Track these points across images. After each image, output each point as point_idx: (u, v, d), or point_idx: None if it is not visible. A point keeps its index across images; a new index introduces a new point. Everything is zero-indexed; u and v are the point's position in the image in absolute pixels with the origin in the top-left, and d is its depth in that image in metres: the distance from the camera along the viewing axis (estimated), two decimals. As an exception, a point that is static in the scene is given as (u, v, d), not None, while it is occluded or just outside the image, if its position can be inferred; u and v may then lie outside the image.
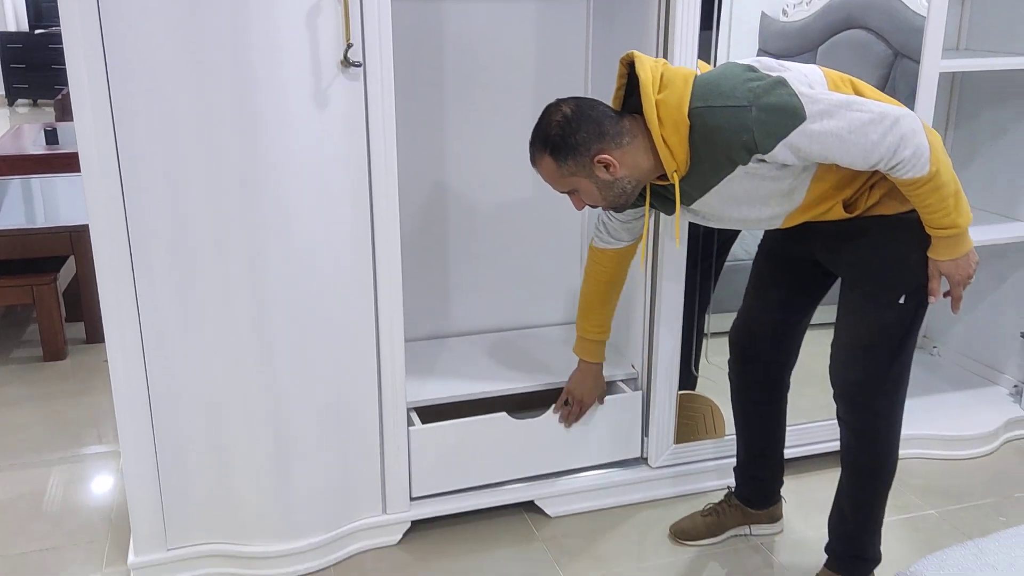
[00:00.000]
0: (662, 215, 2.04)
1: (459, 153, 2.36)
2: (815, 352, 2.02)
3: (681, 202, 1.71)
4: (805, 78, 1.60)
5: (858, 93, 1.63)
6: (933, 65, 2.17)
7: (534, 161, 1.69)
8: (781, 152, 1.54)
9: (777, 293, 1.90)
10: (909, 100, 2.20)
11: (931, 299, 1.69)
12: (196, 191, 1.74)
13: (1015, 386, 2.64)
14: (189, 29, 1.64)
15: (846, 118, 1.51)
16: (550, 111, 1.66)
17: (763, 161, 1.58)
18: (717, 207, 1.70)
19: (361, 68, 1.77)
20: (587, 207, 1.74)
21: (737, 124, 1.54)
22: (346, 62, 1.75)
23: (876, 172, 1.61)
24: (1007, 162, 2.58)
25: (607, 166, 1.63)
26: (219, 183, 1.74)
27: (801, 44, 2.41)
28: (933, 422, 2.50)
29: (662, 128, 1.60)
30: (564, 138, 1.62)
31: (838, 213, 1.68)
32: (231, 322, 1.82)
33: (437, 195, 2.38)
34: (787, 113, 1.52)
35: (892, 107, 1.54)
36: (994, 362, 2.73)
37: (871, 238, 1.69)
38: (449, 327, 2.50)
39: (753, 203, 1.68)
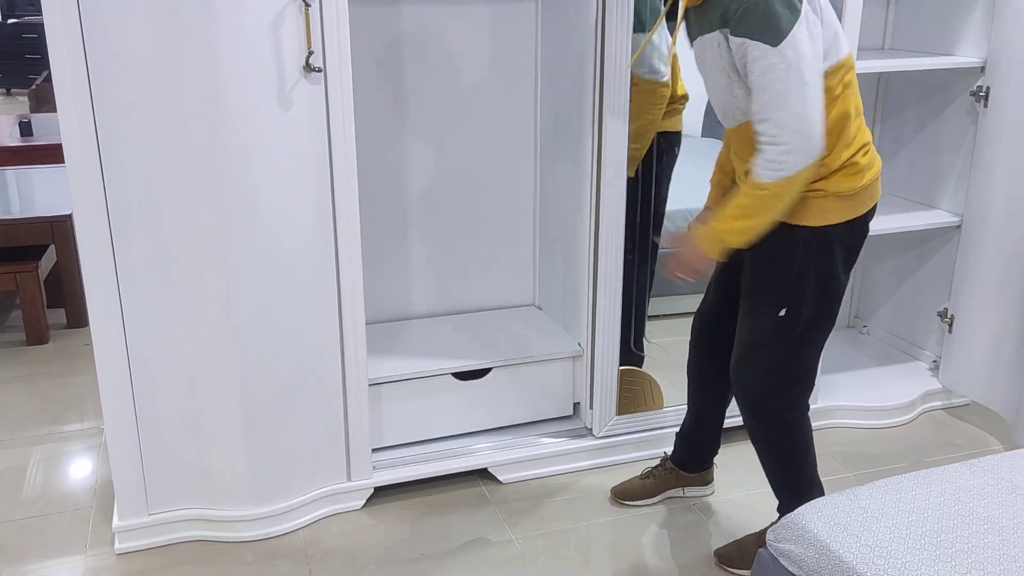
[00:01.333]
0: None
1: (417, 143, 2.55)
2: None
3: (689, 34, 1.77)
4: (813, 30, 1.60)
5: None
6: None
7: None
8: (735, 44, 1.61)
9: (727, 283, 2.02)
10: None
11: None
12: (170, 183, 1.90)
13: (933, 361, 2.87)
14: (165, 33, 1.80)
15: (790, 84, 1.56)
16: None
17: (728, 44, 1.63)
18: (700, 60, 1.78)
19: (322, 73, 1.94)
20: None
21: None
22: (308, 67, 1.92)
23: None
24: (928, 155, 2.79)
25: None
26: (191, 176, 1.90)
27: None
28: (858, 393, 2.72)
29: None
30: None
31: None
32: (203, 304, 1.99)
33: (396, 184, 2.56)
34: (770, 23, 1.56)
35: (812, 128, 1.59)
36: (916, 339, 2.95)
37: (762, 246, 1.76)
38: (410, 309, 2.68)
39: (714, 77, 1.74)
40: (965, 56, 2.60)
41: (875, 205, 1.83)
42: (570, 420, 2.52)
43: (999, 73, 2.48)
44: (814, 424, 1.99)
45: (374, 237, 2.56)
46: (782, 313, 1.82)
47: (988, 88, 2.52)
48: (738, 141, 1.81)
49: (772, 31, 1.56)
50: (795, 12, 1.58)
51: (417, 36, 2.45)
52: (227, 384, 2.06)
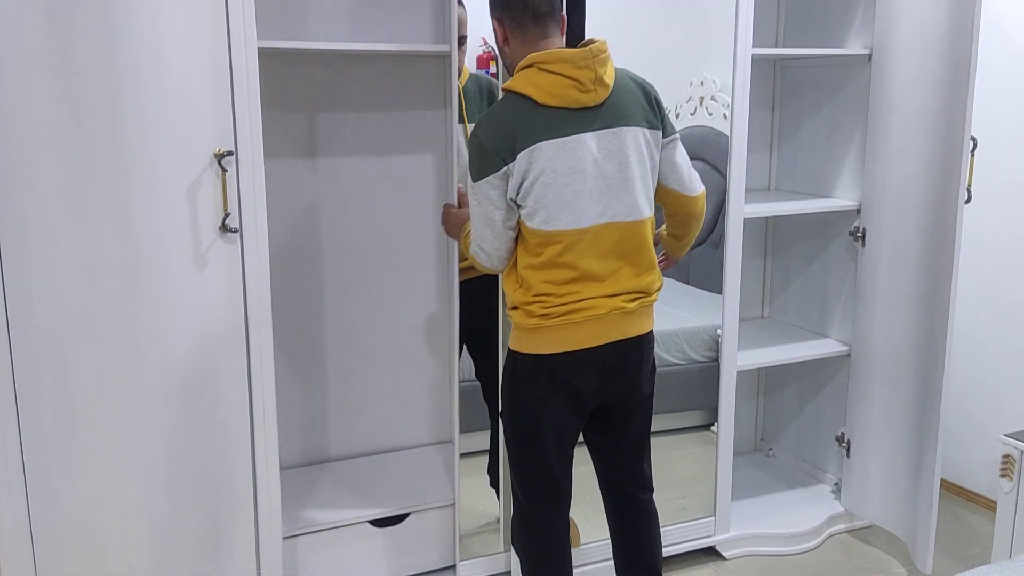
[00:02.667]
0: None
1: (332, 289, 2.60)
2: (676, 456, 2.28)
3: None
4: (499, 190, 1.88)
5: None
6: (738, 210, 2.56)
7: None
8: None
9: None
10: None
11: None
12: (81, 344, 1.89)
13: (836, 484, 2.99)
14: (77, 199, 1.82)
15: (478, 213, 1.90)
16: None
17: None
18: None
19: (238, 233, 1.99)
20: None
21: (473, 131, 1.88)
22: (224, 228, 1.97)
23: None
24: (817, 287, 2.99)
25: (496, 35, 1.93)
26: (102, 337, 1.90)
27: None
28: (767, 520, 2.80)
29: (517, 72, 1.88)
30: None
31: None
32: (112, 464, 1.95)
33: (311, 328, 2.59)
34: (473, 166, 1.87)
35: (487, 249, 1.92)
36: (819, 462, 3.08)
37: None
38: (326, 451, 2.67)
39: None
40: (842, 199, 2.83)
41: (570, 356, 1.92)
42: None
43: (873, 216, 2.71)
44: (727, 553, 2.05)
45: (288, 382, 2.57)
46: (501, 424, 2.08)
47: (864, 229, 2.75)
48: None
49: (472, 170, 1.87)
50: (488, 171, 1.83)
51: (332, 189, 2.54)
52: (138, 543, 2.00)
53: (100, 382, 1.92)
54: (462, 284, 2.40)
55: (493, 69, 2.65)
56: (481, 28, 2.53)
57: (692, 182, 2.05)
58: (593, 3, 2.38)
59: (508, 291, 1.98)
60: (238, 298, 2.03)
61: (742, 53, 2.46)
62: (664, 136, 1.98)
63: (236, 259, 2.00)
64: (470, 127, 2.39)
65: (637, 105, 1.91)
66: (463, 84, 2.41)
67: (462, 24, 2.32)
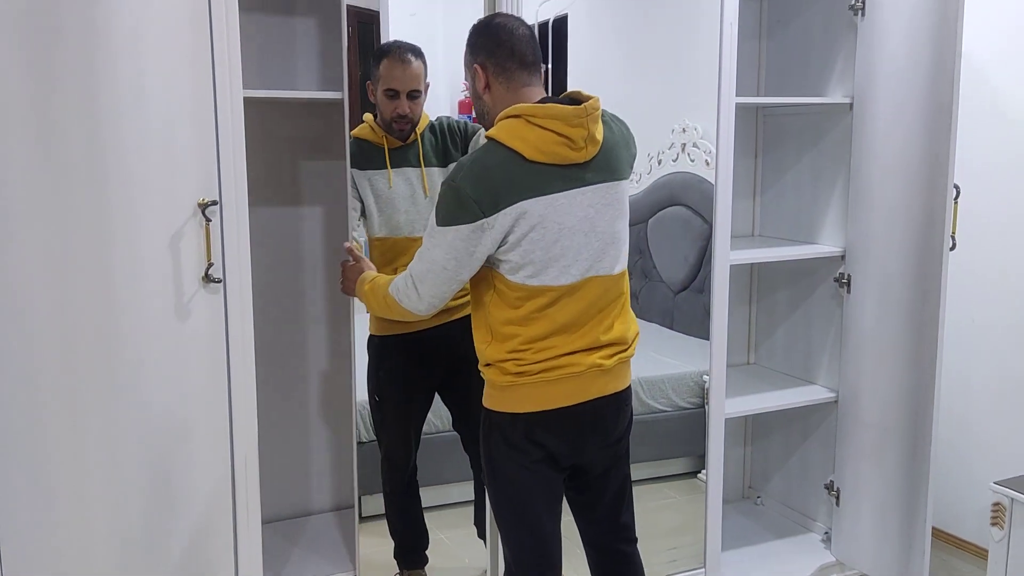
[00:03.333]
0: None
1: (318, 336, 2.56)
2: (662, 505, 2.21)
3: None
4: (476, 242, 1.77)
5: None
6: (724, 257, 2.55)
7: None
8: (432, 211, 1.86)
9: None
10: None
11: None
12: (57, 399, 1.84)
13: (825, 533, 2.96)
14: (56, 257, 1.79)
15: (429, 255, 1.82)
16: (485, 19, 1.89)
17: None
18: None
19: (221, 283, 1.96)
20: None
21: (452, 172, 1.79)
22: (207, 278, 1.93)
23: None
24: (802, 333, 2.99)
25: (477, 80, 1.86)
26: (79, 392, 1.85)
27: (632, 216, 2.78)
28: (756, 571, 2.76)
29: (499, 121, 1.81)
30: (470, 35, 1.88)
31: None
32: (88, 522, 1.89)
33: (296, 375, 2.54)
34: (446, 208, 1.77)
35: (427, 293, 1.83)
36: (808, 511, 3.05)
37: None
38: (310, 504, 2.61)
39: None
40: (827, 245, 2.84)
41: (546, 415, 1.86)
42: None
43: (857, 263, 2.72)
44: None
45: (270, 433, 2.51)
46: (485, 488, 1.98)
47: (849, 275, 2.75)
48: None
49: (440, 213, 1.78)
50: (460, 220, 1.74)
51: (309, 236, 2.51)
52: (110, 609, 1.93)
53: (76, 437, 1.86)
54: (427, 332, 2.36)
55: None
56: (463, 73, 2.53)
57: None
58: (577, 48, 2.39)
59: (480, 347, 1.90)
60: (220, 350, 1.99)
61: (726, 102, 2.47)
62: None
63: (219, 310, 1.97)
64: (428, 171, 2.37)
65: (626, 156, 1.90)
66: (420, 130, 2.40)
67: (404, 80, 2.31)
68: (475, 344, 1.92)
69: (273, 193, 2.51)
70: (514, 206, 1.75)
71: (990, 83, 2.88)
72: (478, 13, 2.36)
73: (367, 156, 2.37)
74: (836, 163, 2.79)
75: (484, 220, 1.74)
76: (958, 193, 2.37)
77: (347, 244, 2.16)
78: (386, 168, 2.34)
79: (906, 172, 2.51)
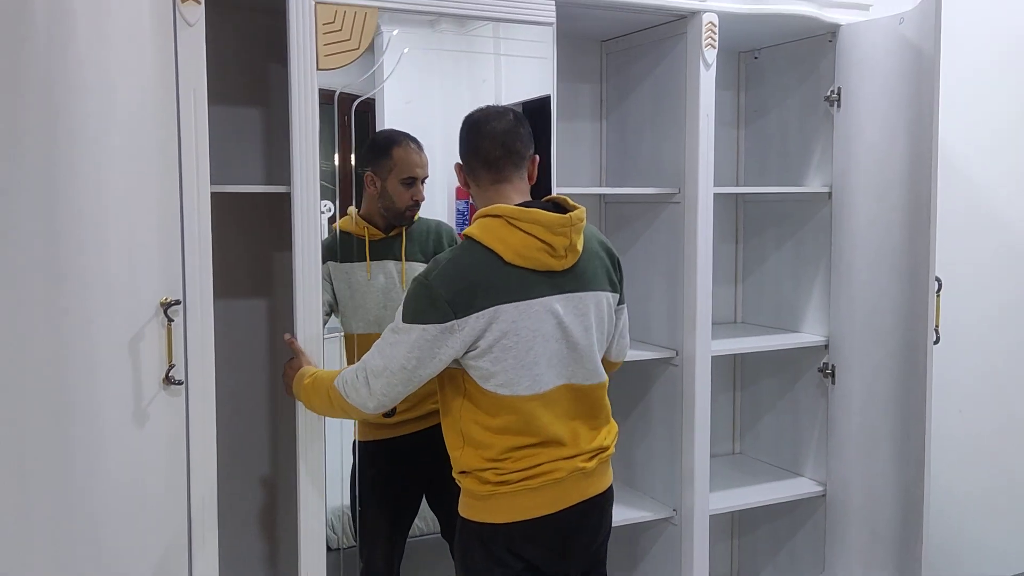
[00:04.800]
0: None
1: (281, 441, 2.45)
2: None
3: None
4: (442, 343, 1.71)
5: None
6: (705, 345, 2.49)
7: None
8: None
9: None
10: (692, 383, 2.50)
11: None
12: (5, 510, 1.73)
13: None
14: (4, 354, 1.71)
15: (388, 349, 1.74)
16: (470, 115, 1.86)
17: None
18: None
19: (183, 385, 1.87)
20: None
21: (424, 270, 1.76)
22: (168, 380, 1.85)
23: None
24: (788, 423, 2.92)
25: (458, 178, 1.88)
26: (30, 501, 1.75)
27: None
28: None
29: (475, 221, 1.78)
30: (460, 133, 1.89)
31: None
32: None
33: (255, 479, 2.43)
34: (410, 302, 1.72)
35: (380, 391, 1.75)
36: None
37: None
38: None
39: None
40: (810, 333, 2.80)
41: (527, 525, 1.78)
42: None
43: (841, 353, 2.67)
44: None
45: (232, 543, 2.38)
46: None
47: (833, 366, 2.70)
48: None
49: (408, 309, 1.72)
50: (428, 318, 1.68)
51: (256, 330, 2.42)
52: None
53: (25, 550, 1.75)
54: (413, 436, 2.26)
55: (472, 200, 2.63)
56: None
57: (626, 349, 2.08)
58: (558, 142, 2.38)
59: (454, 453, 1.82)
60: (180, 455, 1.89)
61: (704, 191, 2.45)
62: (618, 304, 1.94)
63: (180, 413, 1.88)
64: (409, 266, 2.30)
65: (603, 269, 1.86)
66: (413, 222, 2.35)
67: (422, 166, 2.28)
68: (448, 449, 1.83)
69: (223, 287, 2.40)
70: (488, 310, 1.69)
71: (969, 176, 2.89)
72: (476, 100, 2.36)
73: (347, 249, 2.31)
74: (817, 251, 2.77)
75: (455, 321, 1.68)
76: (940, 286, 2.34)
77: (287, 336, 2.03)
78: (365, 260, 2.29)
79: (887, 264, 2.48)
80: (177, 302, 1.85)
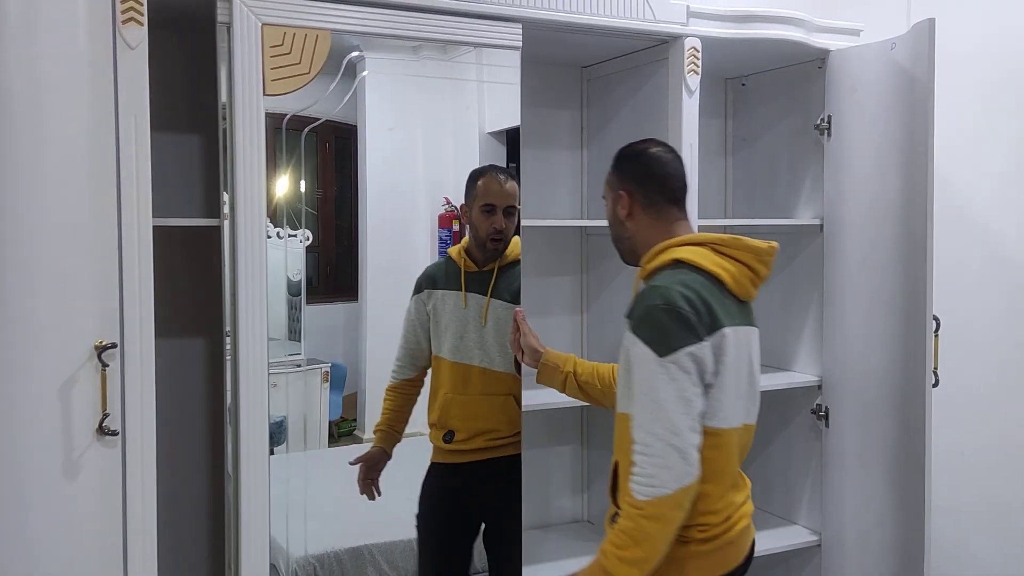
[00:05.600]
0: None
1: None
2: None
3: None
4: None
5: None
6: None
7: None
8: (628, 340, 1.61)
9: None
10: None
11: None
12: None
13: None
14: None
15: (661, 394, 1.53)
16: (641, 142, 1.84)
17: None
18: None
19: (119, 436, 1.72)
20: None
21: (649, 294, 1.61)
22: (102, 431, 1.70)
23: None
24: (781, 468, 2.76)
25: (622, 205, 1.79)
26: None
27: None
28: None
29: (664, 251, 1.71)
30: (622, 158, 1.83)
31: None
32: None
33: (193, 535, 2.27)
34: (665, 336, 1.55)
35: (685, 445, 1.54)
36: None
37: None
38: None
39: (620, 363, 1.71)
40: (802, 373, 2.66)
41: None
42: None
43: (834, 394, 2.53)
44: None
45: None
46: None
47: (827, 408, 2.55)
48: (616, 432, 1.73)
49: (661, 341, 1.55)
50: (687, 341, 1.56)
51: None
52: None
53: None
54: (471, 465, 2.28)
55: (456, 228, 2.52)
56: (443, 187, 2.41)
57: None
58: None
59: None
60: (116, 511, 1.74)
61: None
62: None
63: (116, 465, 1.73)
64: (493, 303, 2.25)
65: None
66: (502, 263, 2.27)
67: (502, 195, 2.25)
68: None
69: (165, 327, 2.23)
70: (719, 331, 1.61)
71: (968, 209, 2.76)
72: (460, 128, 2.36)
73: (444, 275, 2.31)
74: (809, 285, 2.63)
75: (707, 342, 1.58)
76: (938, 325, 2.20)
77: (519, 309, 2.11)
78: (460, 289, 2.26)
79: (882, 300, 2.35)
80: (113, 345, 1.70)
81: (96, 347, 1.69)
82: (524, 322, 2.10)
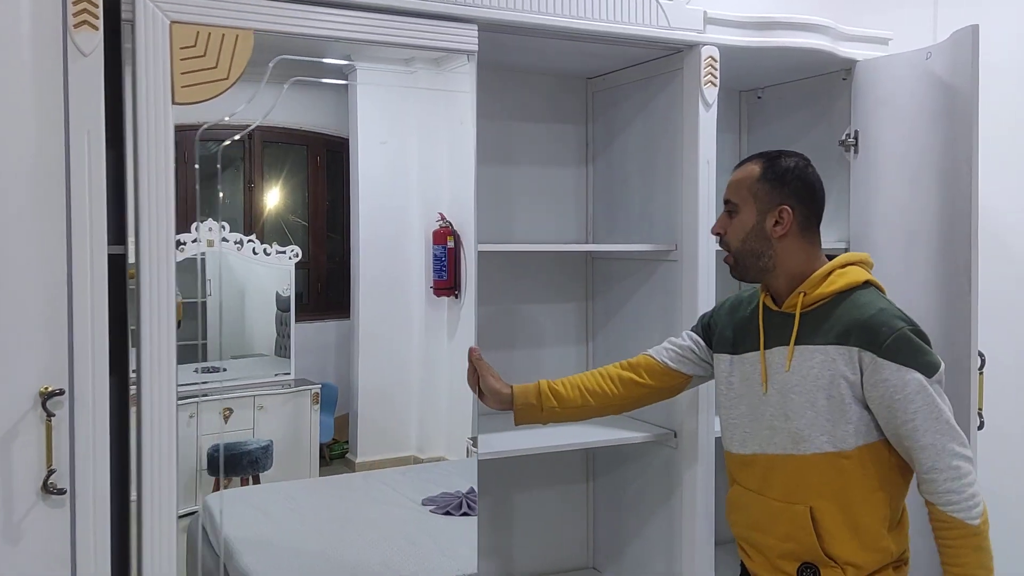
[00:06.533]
0: None
1: None
2: None
3: (774, 345, 1.68)
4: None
5: None
6: (712, 434, 2.15)
7: (742, 163, 1.74)
8: (888, 371, 1.53)
9: None
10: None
11: None
12: None
13: None
14: None
15: (947, 413, 1.54)
16: (794, 155, 1.73)
17: (860, 367, 1.56)
18: (780, 378, 1.65)
19: (66, 495, 1.52)
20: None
21: (885, 319, 1.56)
22: (47, 489, 1.50)
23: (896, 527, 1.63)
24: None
25: (778, 221, 1.66)
26: None
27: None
28: None
29: (840, 270, 1.66)
30: (785, 171, 1.68)
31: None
32: None
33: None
34: (925, 355, 1.55)
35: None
36: None
37: None
38: None
39: (803, 397, 1.61)
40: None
41: None
42: None
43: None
44: None
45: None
46: None
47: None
48: (783, 473, 1.64)
49: (926, 358, 1.55)
50: (939, 359, 1.58)
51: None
52: None
53: None
54: None
55: (451, 244, 2.34)
56: (437, 203, 2.29)
57: None
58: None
59: (873, 548, 1.59)
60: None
61: (704, 247, 2.13)
62: None
63: (63, 528, 1.52)
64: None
65: None
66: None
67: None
68: (856, 552, 1.59)
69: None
70: None
71: (1012, 236, 2.56)
72: (455, 142, 2.21)
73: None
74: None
75: None
76: (983, 363, 2.00)
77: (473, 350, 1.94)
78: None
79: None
80: (61, 391, 1.50)
81: (41, 393, 1.49)
82: (480, 360, 1.91)
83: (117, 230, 1.61)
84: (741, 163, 1.76)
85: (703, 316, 1.92)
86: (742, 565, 1.83)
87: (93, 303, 1.53)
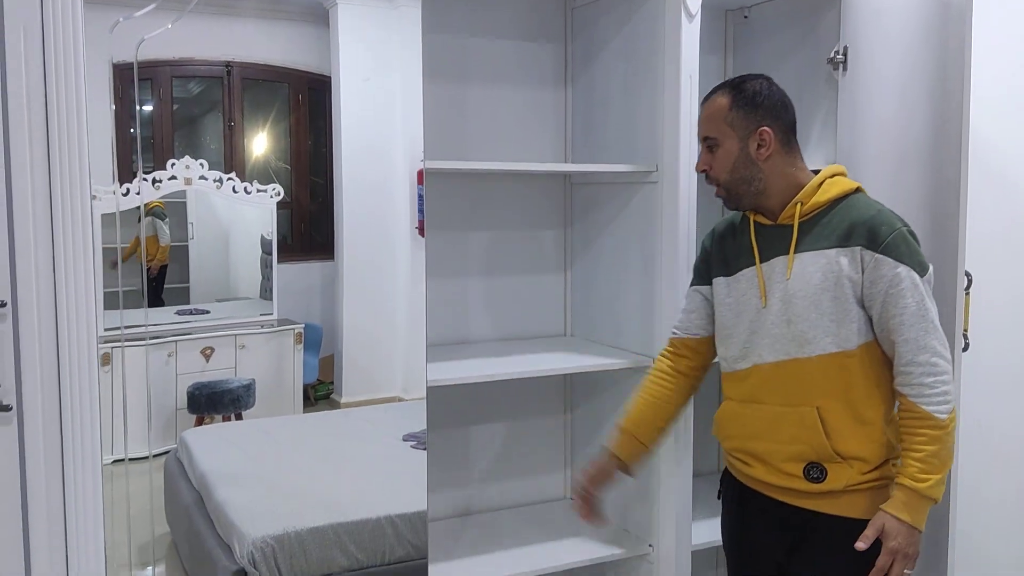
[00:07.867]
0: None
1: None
2: None
3: (771, 257, 1.69)
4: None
5: None
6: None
7: (708, 98, 1.73)
8: (886, 267, 1.57)
9: None
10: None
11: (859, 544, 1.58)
12: None
13: None
14: None
15: (932, 312, 1.59)
16: (755, 77, 1.73)
17: (862, 265, 1.59)
18: (785, 285, 1.67)
19: (12, 411, 1.45)
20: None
21: (885, 219, 1.60)
22: (-6, 406, 1.44)
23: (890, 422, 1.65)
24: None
25: (761, 144, 1.67)
26: None
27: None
28: None
29: (830, 179, 1.68)
30: (754, 95, 1.68)
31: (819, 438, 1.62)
32: None
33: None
34: (919, 255, 1.60)
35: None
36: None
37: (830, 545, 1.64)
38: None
39: (807, 301, 1.63)
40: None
41: None
42: None
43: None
44: None
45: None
46: None
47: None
48: (785, 379, 1.66)
49: (919, 258, 1.60)
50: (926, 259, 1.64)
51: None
52: None
53: None
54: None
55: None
56: (421, 142, 2.21)
57: None
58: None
59: (878, 442, 1.63)
60: (14, 498, 1.47)
61: (686, 169, 2.06)
62: None
63: (11, 445, 1.46)
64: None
65: None
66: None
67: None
68: (862, 447, 1.63)
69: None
70: None
71: (999, 155, 2.48)
72: None
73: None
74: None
75: None
76: (970, 282, 1.95)
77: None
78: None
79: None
80: (3, 303, 1.43)
81: (-18, 306, 1.41)
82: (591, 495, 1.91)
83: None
84: (707, 98, 1.76)
85: (695, 264, 1.89)
86: (725, 483, 1.84)
87: (34, 212, 1.45)
